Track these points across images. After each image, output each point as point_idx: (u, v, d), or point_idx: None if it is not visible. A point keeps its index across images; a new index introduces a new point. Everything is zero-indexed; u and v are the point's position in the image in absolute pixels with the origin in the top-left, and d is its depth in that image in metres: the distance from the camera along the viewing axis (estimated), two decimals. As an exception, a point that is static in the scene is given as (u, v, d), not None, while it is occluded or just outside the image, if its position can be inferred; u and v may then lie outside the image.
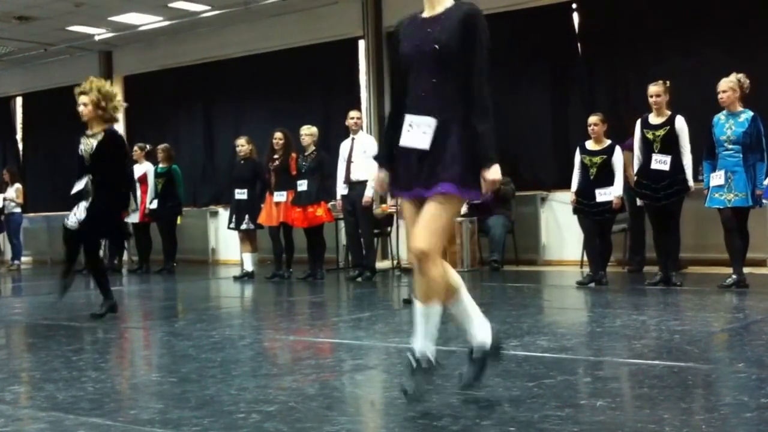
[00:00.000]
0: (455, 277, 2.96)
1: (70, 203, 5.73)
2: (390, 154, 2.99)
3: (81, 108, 5.59)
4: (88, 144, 5.61)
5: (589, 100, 9.38)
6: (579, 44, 9.68)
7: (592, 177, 7.08)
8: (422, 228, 2.81)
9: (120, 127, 13.61)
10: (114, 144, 5.65)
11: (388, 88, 10.81)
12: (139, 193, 10.26)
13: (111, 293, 5.78)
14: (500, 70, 9.66)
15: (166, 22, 11.97)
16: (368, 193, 8.14)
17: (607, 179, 7.02)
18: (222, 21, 11.88)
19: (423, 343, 2.88)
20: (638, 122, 6.89)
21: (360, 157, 8.23)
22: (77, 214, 5.59)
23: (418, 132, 2.84)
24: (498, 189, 8.29)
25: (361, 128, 8.58)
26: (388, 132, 3.04)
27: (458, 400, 2.93)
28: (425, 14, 2.96)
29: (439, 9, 2.92)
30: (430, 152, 2.82)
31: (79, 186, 5.61)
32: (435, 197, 2.80)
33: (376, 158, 3.16)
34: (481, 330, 3.01)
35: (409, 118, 2.88)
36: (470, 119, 2.81)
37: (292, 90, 11.55)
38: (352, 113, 8.44)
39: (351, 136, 8.42)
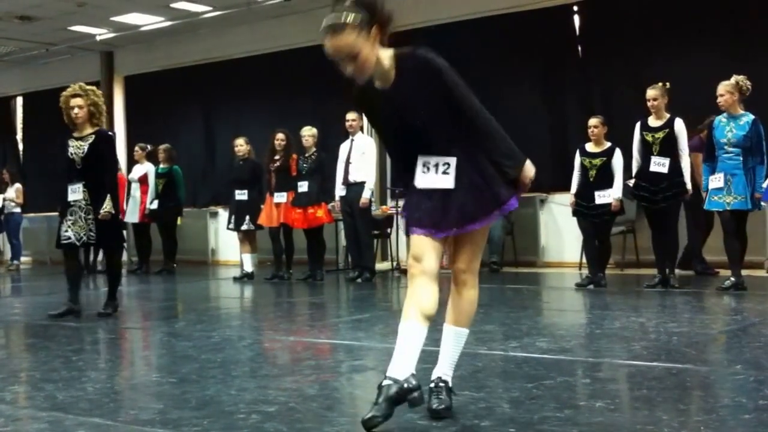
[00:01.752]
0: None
1: (62, 209, 5.75)
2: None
3: (76, 111, 5.61)
4: (79, 147, 5.63)
5: (588, 102, 9.39)
6: (579, 47, 9.69)
7: (591, 179, 7.09)
8: (469, 244, 2.80)
9: (120, 127, 13.78)
10: (107, 144, 5.68)
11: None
12: (139, 193, 10.27)
13: (116, 296, 5.92)
14: (500, 71, 9.72)
15: (168, 23, 11.99)
16: (366, 194, 8.15)
17: (606, 182, 7.04)
18: (223, 22, 11.90)
19: (443, 366, 2.84)
20: (637, 125, 6.91)
21: (358, 159, 8.24)
22: (81, 230, 5.60)
23: (437, 172, 2.71)
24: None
25: (360, 130, 8.59)
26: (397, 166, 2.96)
27: (457, 402, 2.93)
28: (379, 84, 2.72)
29: (392, 73, 2.67)
30: (456, 190, 2.69)
31: (75, 195, 5.63)
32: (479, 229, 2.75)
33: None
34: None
35: (423, 159, 2.73)
36: (480, 148, 2.73)
37: (292, 91, 11.56)
38: (349, 115, 8.46)
39: (350, 137, 8.43)
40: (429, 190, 2.72)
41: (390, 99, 2.70)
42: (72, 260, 5.73)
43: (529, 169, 2.77)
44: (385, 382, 2.57)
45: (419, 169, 2.74)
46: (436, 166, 2.72)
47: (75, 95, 5.63)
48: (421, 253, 2.70)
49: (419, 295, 2.66)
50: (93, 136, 5.63)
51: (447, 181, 2.71)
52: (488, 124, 2.73)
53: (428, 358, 2.92)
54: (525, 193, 2.88)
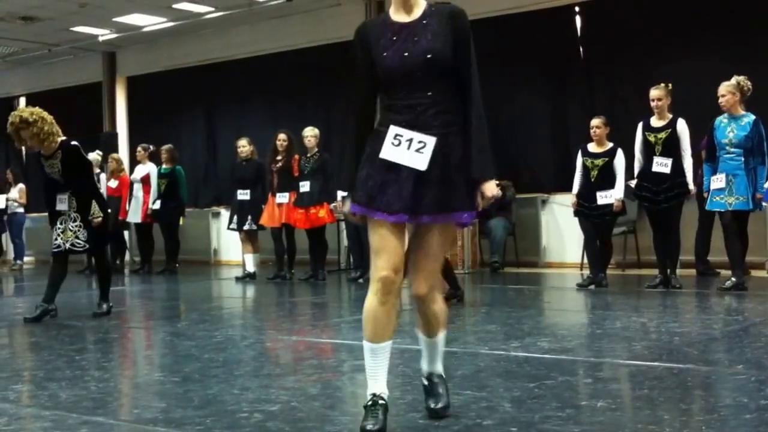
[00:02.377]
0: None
1: (51, 219, 5.78)
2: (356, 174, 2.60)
3: (29, 143, 5.51)
4: (52, 166, 5.64)
5: (590, 103, 9.40)
6: (581, 48, 9.69)
7: (593, 180, 7.09)
8: (431, 262, 2.59)
9: (123, 128, 13.81)
10: (75, 155, 5.64)
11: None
12: (141, 193, 10.29)
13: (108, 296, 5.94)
14: (502, 72, 9.72)
15: (170, 24, 12.00)
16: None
17: (608, 182, 7.04)
18: (225, 22, 11.91)
19: (432, 365, 2.80)
20: (639, 125, 6.91)
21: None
22: (71, 238, 5.64)
23: (410, 149, 2.50)
24: (502, 196, 8.17)
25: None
26: (354, 148, 2.62)
27: (459, 401, 2.94)
28: (399, 18, 2.60)
29: (418, 12, 2.59)
30: (427, 173, 2.50)
31: (63, 205, 5.68)
32: (440, 225, 2.56)
33: (340, 186, 2.72)
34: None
35: (397, 130, 2.52)
36: (468, 134, 2.55)
37: (294, 92, 11.58)
38: None
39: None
40: (394, 167, 2.51)
41: (412, 30, 2.55)
42: (60, 264, 5.75)
43: (493, 186, 2.58)
44: (381, 402, 2.57)
45: (389, 139, 2.53)
46: (410, 141, 2.52)
47: (18, 128, 5.45)
48: (386, 247, 2.53)
49: (382, 322, 2.57)
50: (60, 152, 5.61)
51: (419, 161, 2.50)
52: (483, 119, 2.59)
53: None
54: (481, 209, 2.64)
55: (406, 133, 2.52)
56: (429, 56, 2.53)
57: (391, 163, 2.53)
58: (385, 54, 2.56)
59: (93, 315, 5.82)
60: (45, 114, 5.57)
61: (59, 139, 5.63)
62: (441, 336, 2.78)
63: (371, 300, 2.60)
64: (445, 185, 2.53)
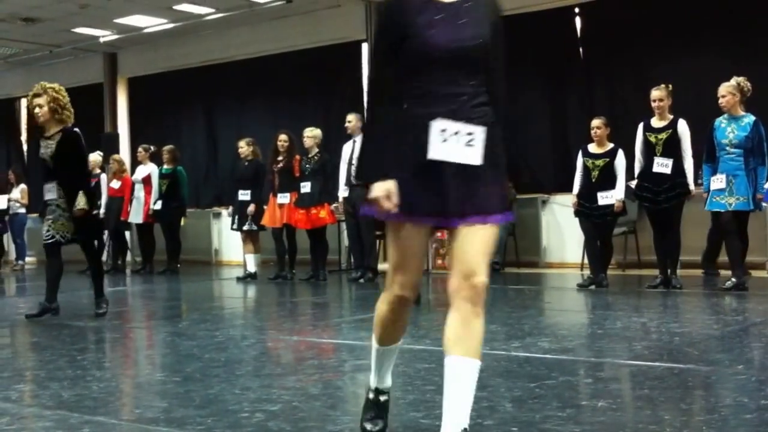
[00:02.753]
0: None
1: (41, 210, 5.78)
2: (396, 165, 2.22)
3: (36, 110, 5.59)
4: (47, 146, 5.64)
5: (590, 103, 9.40)
6: (581, 48, 9.70)
7: (594, 180, 7.10)
8: (484, 256, 2.21)
9: (124, 129, 13.82)
10: (73, 142, 5.63)
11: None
12: (143, 194, 10.30)
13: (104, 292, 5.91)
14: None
15: (171, 25, 12.01)
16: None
17: (609, 182, 7.05)
18: (225, 23, 11.92)
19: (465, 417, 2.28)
20: (640, 126, 6.92)
21: (360, 160, 8.27)
22: (63, 229, 5.63)
23: (459, 143, 2.20)
24: None
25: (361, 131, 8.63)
26: (383, 135, 2.28)
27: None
28: None
29: None
30: (474, 168, 2.21)
31: (50, 194, 5.67)
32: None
33: (371, 175, 2.24)
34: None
35: (442, 124, 2.21)
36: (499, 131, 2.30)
37: (294, 92, 11.59)
38: (348, 116, 8.50)
39: (352, 138, 8.47)
40: (435, 165, 2.20)
41: (458, 11, 2.26)
42: (54, 259, 5.71)
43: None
44: (383, 398, 2.55)
45: (435, 136, 2.20)
46: (457, 134, 2.21)
47: (36, 95, 5.58)
48: (409, 265, 2.27)
49: (395, 329, 2.45)
50: (60, 134, 5.61)
51: (472, 155, 2.22)
52: (507, 116, 2.39)
53: (430, 357, 2.93)
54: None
55: (451, 126, 2.21)
56: (480, 41, 2.25)
57: (429, 161, 2.21)
58: (430, 32, 2.23)
59: (95, 315, 5.80)
60: (65, 93, 5.66)
61: (67, 123, 5.64)
62: (478, 362, 2.27)
63: (385, 311, 2.40)
64: (491, 182, 2.26)
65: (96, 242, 6.06)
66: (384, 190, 2.18)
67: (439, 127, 2.21)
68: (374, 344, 2.54)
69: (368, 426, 2.48)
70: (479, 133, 2.23)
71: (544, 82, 9.96)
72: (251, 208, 8.79)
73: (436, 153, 2.21)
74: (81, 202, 5.59)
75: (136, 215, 10.32)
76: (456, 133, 2.21)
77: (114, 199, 10.50)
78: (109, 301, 5.99)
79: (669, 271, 6.76)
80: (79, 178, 5.70)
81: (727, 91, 6.36)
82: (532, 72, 9.92)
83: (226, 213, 10.36)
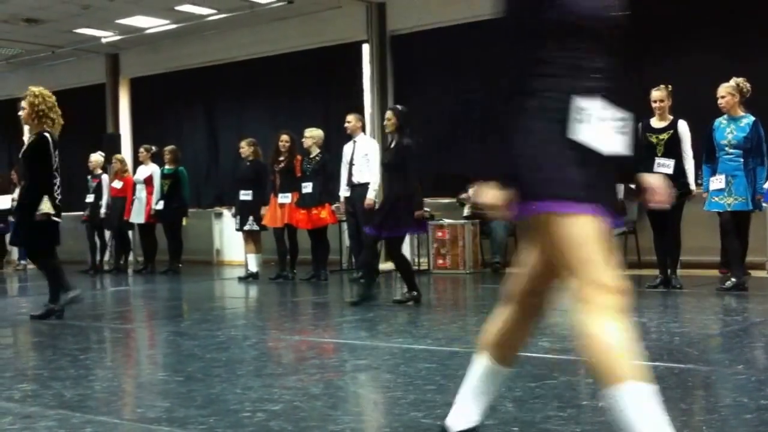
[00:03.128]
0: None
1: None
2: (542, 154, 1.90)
3: (20, 112, 5.72)
4: (22, 146, 5.73)
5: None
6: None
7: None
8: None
9: (126, 129, 13.83)
10: (39, 145, 5.63)
11: (392, 92, 10.85)
12: (144, 194, 10.32)
13: (58, 297, 5.64)
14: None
15: (172, 26, 12.03)
16: (370, 195, 8.19)
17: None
18: (227, 24, 11.94)
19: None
20: (639, 126, 6.91)
21: (361, 160, 8.30)
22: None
23: (611, 128, 1.92)
24: None
25: (362, 131, 8.66)
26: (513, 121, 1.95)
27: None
28: None
29: None
30: (611, 161, 1.95)
31: (15, 194, 5.74)
32: None
33: (499, 174, 1.96)
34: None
35: (593, 103, 1.90)
36: None
37: (295, 93, 11.60)
38: (348, 117, 8.52)
39: (353, 139, 8.49)
40: (590, 154, 1.90)
41: None
42: (42, 260, 5.72)
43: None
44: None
45: (594, 116, 1.89)
46: (615, 121, 1.93)
47: (24, 98, 5.68)
48: (607, 252, 1.95)
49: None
50: (34, 137, 5.68)
51: (622, 144, 1.94)
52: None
53: (432, 357, 2.94)
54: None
55: (609, 110, 1.92)
56: (628, 13, 2.02)
57: (586, 147, 1.89)
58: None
59: (30, 317, 5.61)
60: (50, 99, 5.72)
61: (45, 129, 5.66)
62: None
63: (614, 327, 2.00)
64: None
65: (48, 248, 5.70)
66: (494, 196, 1.94)
67: (595, 104, 1.92)
68: (620, 386, 1.90)
69: None
70: (630, 120, 1.99)
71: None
72: (264, 210, 8.77)
73: (587, 136, 1.91)
74: (44, 207, 5.52)
75: (138, 215, 10.34)
76: (607, 117, 1.93)
77: (117, 199, 10.52)
78: (63, 311, 5.66)
79: (669, 271, 6.77)
80: (44, 182, 5.62)
81: (726, 91, 6.36)
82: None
83: (228, 214, 10.37)
